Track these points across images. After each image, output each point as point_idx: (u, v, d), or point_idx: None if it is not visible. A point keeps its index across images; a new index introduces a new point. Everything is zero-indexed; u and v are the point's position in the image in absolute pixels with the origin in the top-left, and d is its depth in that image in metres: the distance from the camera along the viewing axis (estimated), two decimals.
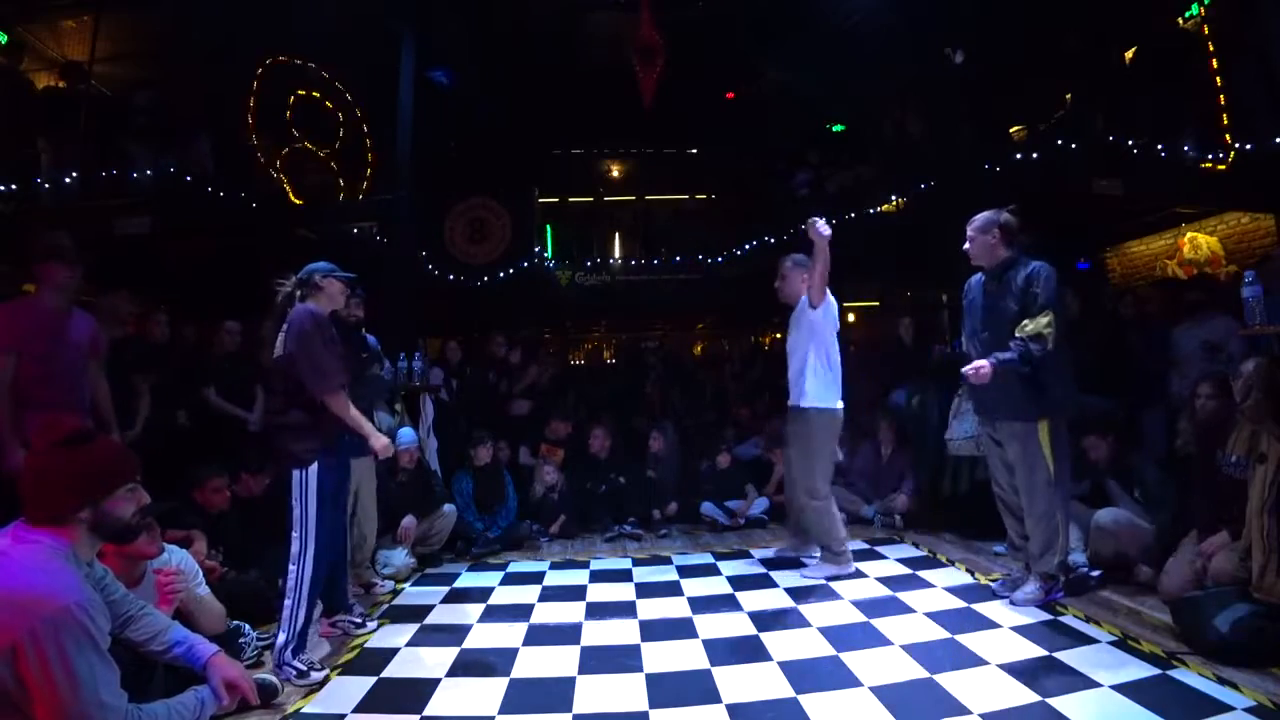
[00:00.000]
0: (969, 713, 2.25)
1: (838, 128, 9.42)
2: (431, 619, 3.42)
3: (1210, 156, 5.39)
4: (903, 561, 4.11)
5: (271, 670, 2.62)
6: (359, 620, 3.25)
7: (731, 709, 2.37)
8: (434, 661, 2.87)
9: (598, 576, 4.07)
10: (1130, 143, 5.32)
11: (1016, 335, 3.08)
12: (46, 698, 1.45)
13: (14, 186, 5.17)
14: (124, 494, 1.71)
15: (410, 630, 3.25)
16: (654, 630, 3.15)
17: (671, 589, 3.79)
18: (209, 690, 1.88)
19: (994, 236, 3.30)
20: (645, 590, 3.77)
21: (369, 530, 3.85)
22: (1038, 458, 3.16)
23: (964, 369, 3.10)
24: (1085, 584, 3.33)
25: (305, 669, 2.64)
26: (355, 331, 3.72)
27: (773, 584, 3.78)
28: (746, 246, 8.59)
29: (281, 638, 2.66)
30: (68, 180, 5.21)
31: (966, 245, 3.39)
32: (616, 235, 10.26)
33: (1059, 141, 5.44)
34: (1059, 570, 3.25)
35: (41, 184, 5.20)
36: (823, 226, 3.68)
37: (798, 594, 3.55)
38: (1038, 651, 2.69)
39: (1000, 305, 3.26)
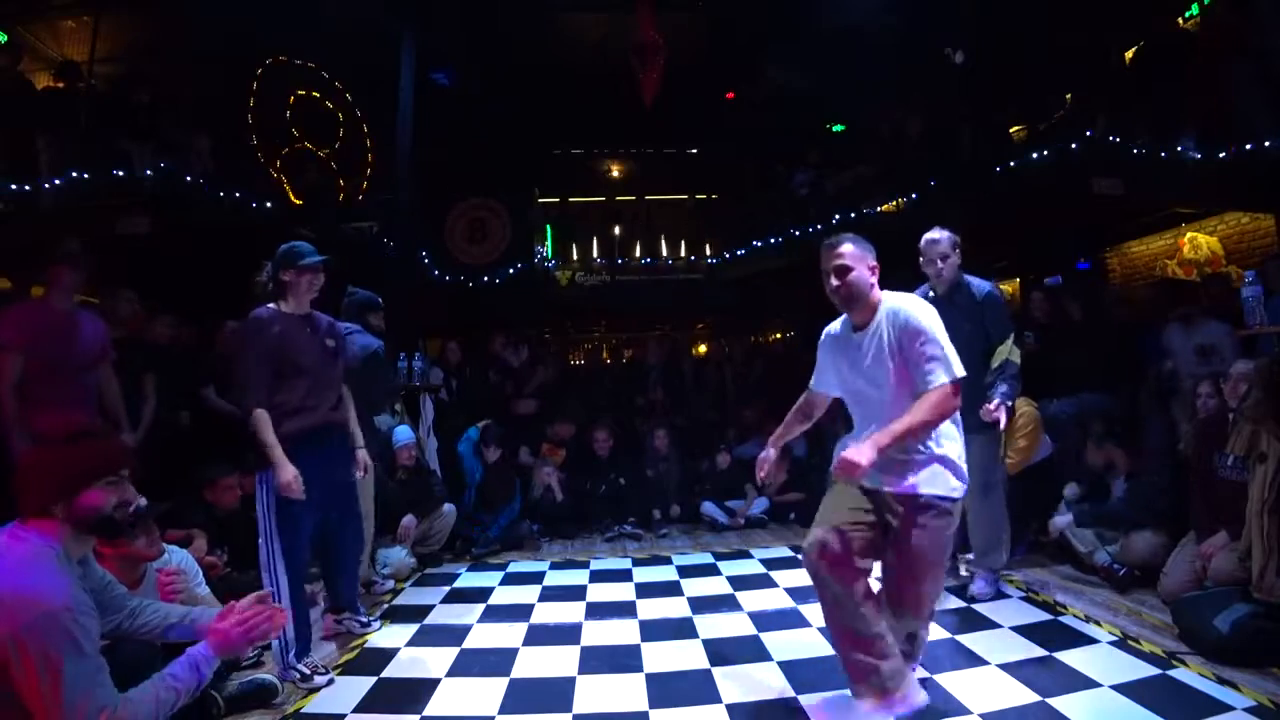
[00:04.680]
0: (969, 713, 2.25)
1: (838, 128, 9.42)
2: (431, 619, 3.42)
3: (1210, 156, 5.38)
4: None
5: (276, 675, 2.61)
6: (365, 620, 3.22)
7: (731, 709, 2.37)
8: (434, 661, 2.87)
9: (598, 576, 4.08)
10: (1130, 143, 5.32)
11: (995, 365, 3.12)
12: (35, 702, 1.43)
13: (13, 186, 5.17)
14: (102, 486, 1.66)
15: (410, 630, 3.25)
16: (654, 630, 3.15)
17: (671, 589, 3.79)
18: (203, 648, 1.74)
19: (958, 256, 3.31)
20: (645, 590, 3.77)
21: (368, 530, 3.83)
22: (994, 466, 3.30)
23: (981, 413, 2.98)
24: (1130, 581, 3.34)
25: (309, 673, 2.62)
26: (378, 340, 3.69)
27: (773, 584, 3.78)
28: (746, 247, 8.59)
29: (275, 644, 2.62)
30: (67, 180, 5.21)
31: (940, 266, 3.27)
32: (616, 235, 10.25)
33: (1059, 141, 5.43)
34: (1003, 564, 3.45)
35: (41, 184, 5.19)
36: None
37: (798, 594, 3.55)
38: (1038, 651, 2.69)
39: (956, 326, 3.21)
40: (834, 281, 2.22)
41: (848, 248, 2.22)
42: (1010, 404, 3.06)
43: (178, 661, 1.70)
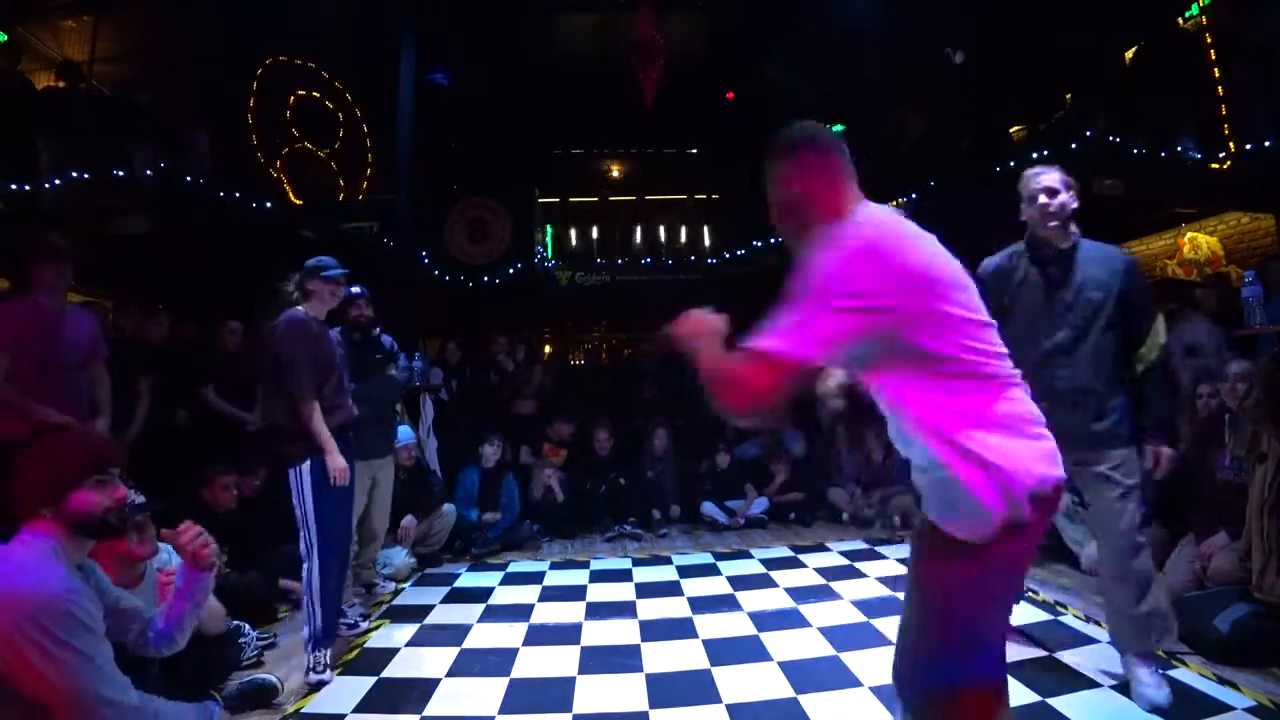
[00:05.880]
0: None
1: (838, 128, 9.42)
2: (431, 619, 3.43)
3: (1210, 156, 5.38)
4: (903, 562, 4.10)
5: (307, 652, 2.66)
6: (352, 622, 3.24)
7: (731, 709, 2.37)
8: (434, 661, 2.88)
9: (598, 576, 4.08)
10: (1130, 143, 5.32)
11: (1145, 365, 2.33)
12: (49, 688, 1.43)
13: (13, 186, 5.17)
14: (90, 486, 1.63)
15: (410, 630, 3.25)
16: (654, 630, 3.15)
17: (671, 589, 3.79)
18: (216, 707, 1.80)
19: (1075, 200, 2.35)
20: (645, 590, 3.77)
21: (380, 530, 3.81)
22: (1138, 484, 2.34)
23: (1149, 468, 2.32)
24: None
25: (325, 665, 2.68)
26: (368, 331, 3.72)
27: (773, 584, 3.78)
28: (746, 247, 8.60)
29: (305, 631, 2.70)
30: (67, 180, 5.21)
31: (1048, 205, 2.31)
32: (616, 235, 10.24)
33: (1059, 141, 5.44)
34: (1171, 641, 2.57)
35: (41, 184, 5.20)
36: None
37: (798, 594, 3.55)
38: (1038, 651, 2.69)
39: (1082, 298, 2.30)
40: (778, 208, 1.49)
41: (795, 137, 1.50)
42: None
43: (195, 706, 1.74)
